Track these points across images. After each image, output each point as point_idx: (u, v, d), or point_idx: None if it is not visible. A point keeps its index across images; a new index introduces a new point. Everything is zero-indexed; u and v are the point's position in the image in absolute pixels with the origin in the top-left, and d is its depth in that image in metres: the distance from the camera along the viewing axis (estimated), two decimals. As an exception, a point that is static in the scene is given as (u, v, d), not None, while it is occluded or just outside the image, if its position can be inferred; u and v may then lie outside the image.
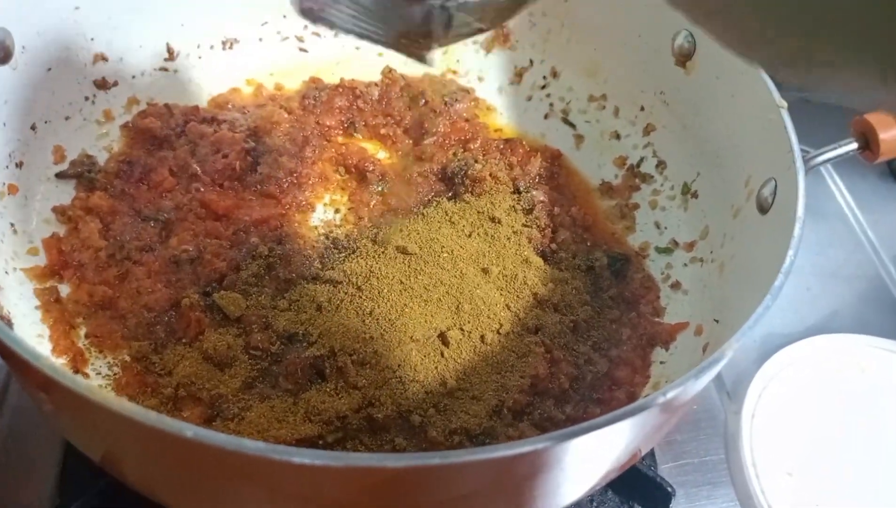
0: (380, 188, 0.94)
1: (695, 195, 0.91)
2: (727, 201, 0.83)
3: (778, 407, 0.89)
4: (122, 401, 0.48)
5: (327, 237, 0.88)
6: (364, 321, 0.78)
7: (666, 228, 0.93)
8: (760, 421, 0.88)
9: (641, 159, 0.99)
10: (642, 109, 0.99)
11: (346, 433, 0.72)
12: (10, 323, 0.68)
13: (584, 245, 0.91)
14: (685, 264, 0.88)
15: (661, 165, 0.97)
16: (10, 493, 0.75)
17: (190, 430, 0.46)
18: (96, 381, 0.73)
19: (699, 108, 0.90)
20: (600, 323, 0.84)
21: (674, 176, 0.95)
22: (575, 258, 0.89)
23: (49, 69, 0.82)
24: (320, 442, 0.71)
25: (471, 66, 1.10)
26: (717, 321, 0.77)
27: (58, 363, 0.72)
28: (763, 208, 0.76)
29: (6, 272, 0.74)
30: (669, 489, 0.76)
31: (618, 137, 1.01)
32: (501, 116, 1.08)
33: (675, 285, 0.88)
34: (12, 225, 0.76)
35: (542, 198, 0.93)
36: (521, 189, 0.94)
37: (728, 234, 0.83)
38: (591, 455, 0.58)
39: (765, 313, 0.60)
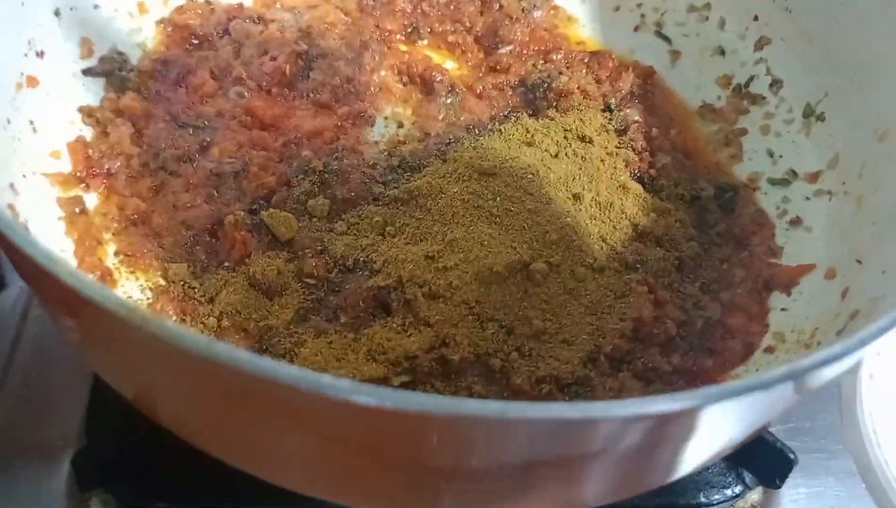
0: (448, 101, 0.82)
1: (820, 118, 0.78)
2: (868, 124, 0.70)
3: (899, 367, 0.77)
4: (167, 323, 0.37)
5: (390, 155, 0.77)
6: (436, 248, 0.67)
7: (781, 156, 0.80)
8: (881, 383, 0.76)
9: (751, 78, 0.85)
10: (756, 18, 0.85)
11: (415, 376, 0.61)
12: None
13: (687, 173, 0.79)
14: (807, 198, 0.76)
15: (776, 83, 0.83)
16: (32, 432, 0.67)
17: (249, 363, 0.35)
18: (127, 305, 0.64)
19: (830, 15, 0.76)
20: (709, 262, 0.72)
21: (792, 97, 0.81)
22: (677, 187, 0.77)
23: (73, -53, 0.71)
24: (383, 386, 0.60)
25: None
26: (859, 263, 0.65)
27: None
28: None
29: (24, 176, 0.63)
30: (791, 455, 0.65)
31: (722, 52, 0.88)
32: (584, 27, 0.94)
33: (795, 222, 0.75)
34: (31, 123, 0.66)
35: (637, 118, 0.81)
36: (613, 107, 0.82)
37: (869, 162, 0.70)
38: (725, 422, 0.47)
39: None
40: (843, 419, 0.76)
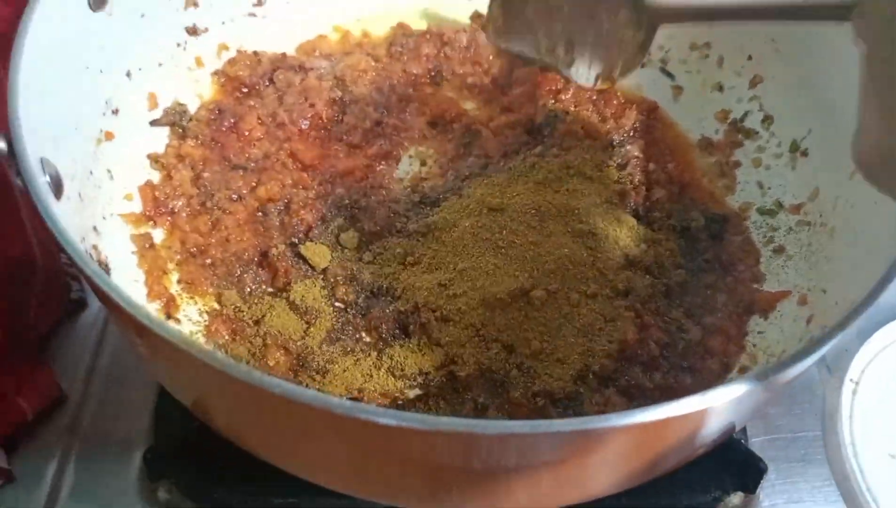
0: (466, 140, 0.92)
1: (804, 154, 0.85)
2: (843, 161, 0.76)
3: (883, 385, 0.83)
4: (210, 352, 0.48)
5: (412, 190, 0.87)
6: (447, 276, 0.77)
7: (770, 188, 0.87)
8: (863, 398, 0.83)
9: (746, 113, 0.92)
10: (750, 58, 0.91)
11: (427, 391, 0.71)
12: (107, 268, 0.70)
13: (680, 204, 0.86)
14: (790, 228, 0.83)
15: (767, 119, 0.90)
16: (109, 428, 0.79)
17: (278, 387, 0.46)
18: (187, 327, 0.75)
19: (815, 59, 0.83)
20: (694, 288, 0.80)
21: (781, 132, 0.88)
22: (670, 218, 0.84)
23: (142, 15, 0.83)
24: (400, 399, 0.71)
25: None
26: (824, 292, 0.72)
27: (151, 309, 0.74)
28: (885, 171, 0.70)
29: (104, 218, 0.75)
30: (761, 465, 0.73)
31: (720, 88, 0.95)
32: (595, 65, 1.02)
33: (779, 250, 0.82)
34: (109, 171, 0.78)
35: (636, 153, 0.89)
36: (615, 143, 0.90)
37: (842, 197, 0.76)
38: (683, 431, 0.55)
39: (883, 289, 0.55)
40: (825, 430, 0.83)
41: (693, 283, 0.80)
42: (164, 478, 0.74)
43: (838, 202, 0.77)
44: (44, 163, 0.60)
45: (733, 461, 0.74)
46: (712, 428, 0.58)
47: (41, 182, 0.57)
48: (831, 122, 0.80)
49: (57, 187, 0.61)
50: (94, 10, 0.74)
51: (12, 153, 0.56)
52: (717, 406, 0.49)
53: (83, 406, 0.80)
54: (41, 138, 0.61)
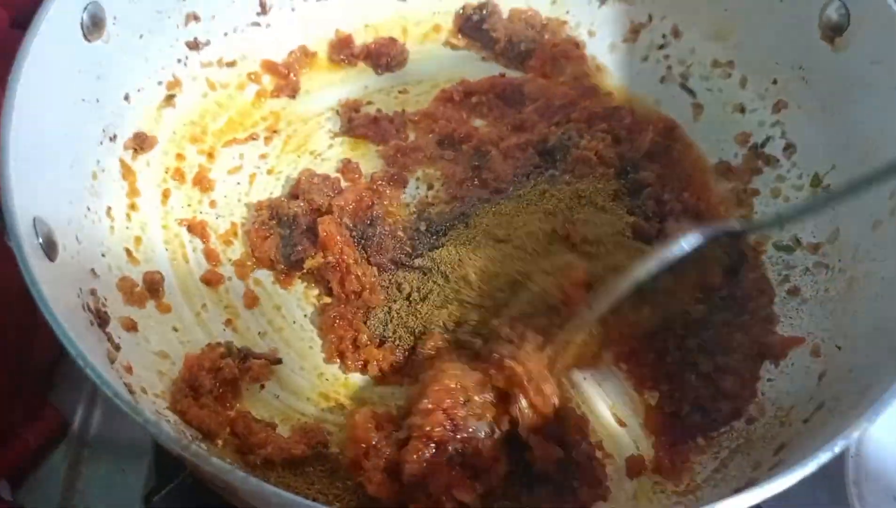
0: (475, 162, 0.89)
1: (826, 190, 0.81)
2: (866, 209, 0.74)
3: (890, 427, 0.81)
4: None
5: (419, 217, 0.85)
6: (455, 312, 0.76)
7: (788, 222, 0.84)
8: (869, 440, 0.81)
9: (767, 139, 0.88)
10: (775, 82, 0.87)
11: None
12: (105, 317, 0.68)
13: (695, 236, 0.84)
14: (807, 269, 0.80)
15: (789, 148, 0.86)
16: (112, 459, 0.80)
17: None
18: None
19: (845, 92, 0.79)
20: (710, 325, 0.77)
21: (804, 163, 0.85)
22: (682, 254, 0.82)
23: (141, 36, 0.80)
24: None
25: (582, 17, 1.00)
26: (839, 348, 0.70)
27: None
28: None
29: (102, 255, 0.74)
30: None
31: (742, 110, 0.91)
32: (612, 77, 0.99)
33: (793, 292, 0.80)
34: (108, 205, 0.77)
35: (650, 180, 0.86)
36: (629, 169, 0.87)
37: (863, 247, 0.74)
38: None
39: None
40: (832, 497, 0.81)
41: (709, 320, 0.78)
42: (166, 516, 0.74)
43: (859, 251, 0.74)
44: (36, 223, 0.58)
45: None
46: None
47: (33, 245, 0.56)
48: (858, 160, 0.77)
49: (51, 247, 0.60)
50: (89, 41, 0.71)
51: (2, 219, 0.55)
52: None
53: (86, 433, 0.81)
54: (34, 192, 0.60)
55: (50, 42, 0.65)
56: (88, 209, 0.73)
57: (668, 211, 0.85)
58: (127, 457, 0.79)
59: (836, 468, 0.79)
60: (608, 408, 0.76)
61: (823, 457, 0.50)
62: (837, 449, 0.50)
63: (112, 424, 0.81)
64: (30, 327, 0.77)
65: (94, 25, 0.72)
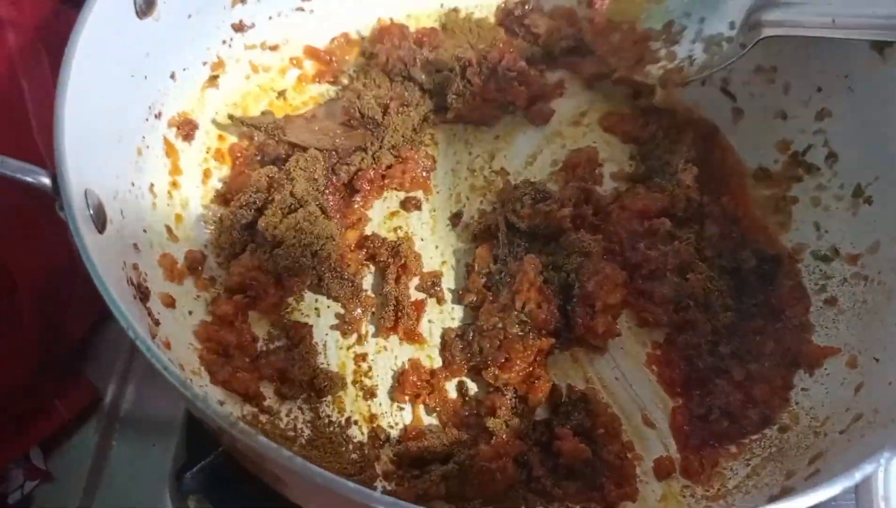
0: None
1: (868, 201, 0.81)
2: (909, 220, 0.73)
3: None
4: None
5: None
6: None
7: (827, 231, 0.83)
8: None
9: (809, 147, 0.87)
10: (819, 90, 0.86)
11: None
12: (146, 291, 0.69)
13: (731, 241, 0.83)
14: (845, 279, 0.80)
15: (831, 157, 0.85)
16: (143, 430, 0.80)
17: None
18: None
19: (892, 103, 0.78)
20: (742, 332, 0.78)
21: (845, 173, 0.84)
22: (720, 257, 0.82)
23: (189, 16, 0.80)
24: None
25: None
26: (876, 360, 0.70)
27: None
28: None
29: (144, 230, 0.74)
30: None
31: (784, 116, 0.90)
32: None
33: (830, 302, 0.79)
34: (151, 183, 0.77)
35: (688, 183, 0.85)
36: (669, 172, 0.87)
37: (905, 259, 0.73)
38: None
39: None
40: (858, 502, 0.81)
41: (741, 327, 0.78)
42: (195, 493, 0.75)
43: (900, 264, 0.74)
44: (88, 195, 0.59)
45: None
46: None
47: (85, 217, 0.56)
48: (902, 174, 0.76)
49: (100, 219, 0.61)
50: (141, 18, 0.72)
51: (56, 190, 0.55)
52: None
53: (118, 408, 0.81)
54: (85, 164, 0.60)
55: (104, 18, 0.66)
56: (133, 185, 0.73)
57: (707, 214, 0.85)
58: (157, 433, 0.79)
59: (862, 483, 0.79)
60: (639, 409, 0.76)
61: (869, 468, 0.49)
62: (883, 461, 0.49)
63: (144, 400, 0.82)
64: (66, 300, 0.78)
65: (146, 3, 0.72)
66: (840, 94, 0.84)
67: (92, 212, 0.59)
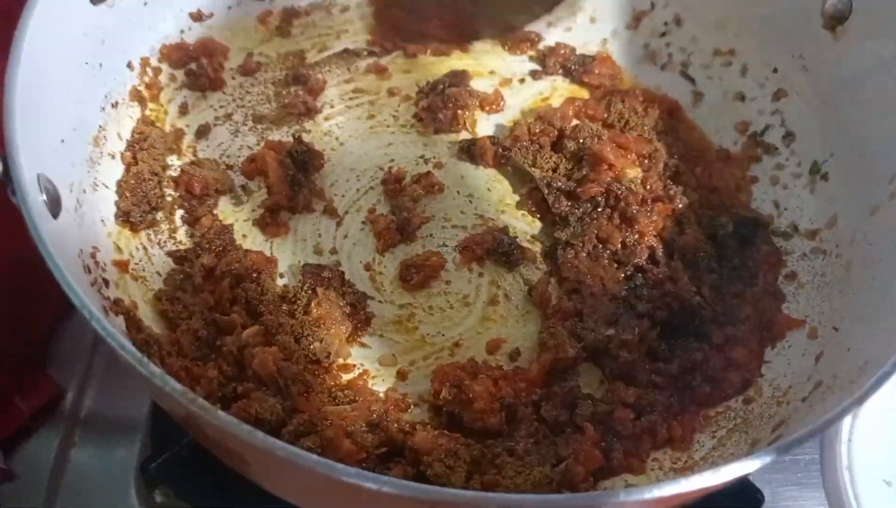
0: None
1: (825, 177, 0.82)
2: (864, 194, 0.75)
3: (882, 409, 0.82)
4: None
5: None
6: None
7: (786, 209, 0.85)
8: (861, 423, 0.82)
9: (766, 127, 0.89)
10: (775, 70, 0.88)
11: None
12: (105, 281, 0.68)
13: (711, 210, 0.84)
14: (804, 254, 0.81)
15: (788, 136, 0.87)
16: (106, 426, 0.79)
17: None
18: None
19: (846, 81, 0.79)
20: (722, 295, 0.78)
21: (802, 152, 0.85)
22: (699, 225, 0.82)
23: (146, 4, 0.79)
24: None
25: (585, 3, 1.01)
26: (836, 330, 0.71)
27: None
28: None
29: (102, 221, 0.73)
30: (759, 495, 0.73)
31: (742, 98, 0.92)
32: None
33: (790, 277, 0.81)
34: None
35: (664, 153, 0.86)
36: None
37: (860, 231, 0.75)
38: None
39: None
40: (822, 454, 0.83)
41: (721, 291, 0.78)
42: (161, 485, 0.73)
43: (856, 236, 0.75)
44: (40, 179, 0.58)
45: (731, 492, 0.74)
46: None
47: (38, 201, 0.55)
48: (856, 149, 0.78)
49: (54, 204, 0.59)
50: (95, 4, 0.71)
51: (8, 174, 0.54)
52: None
53: (80, 404, 0.80)
54: (38, 150, 0.59)
55: (55, 2, 0.65)
56: (88, 174, 0.72)
57: (685, 182, 0.85)
58: (122, 429, 0.78)
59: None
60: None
61: (827, 427, 0.50)
62: (841, 421, 0.50)
63: (107, 396, 0.80)
64: (27, 293, 0.76)
65: (100, -12, 0.71)
66: (796, 73, 0.86)
67: (45, 198, 0.57)
